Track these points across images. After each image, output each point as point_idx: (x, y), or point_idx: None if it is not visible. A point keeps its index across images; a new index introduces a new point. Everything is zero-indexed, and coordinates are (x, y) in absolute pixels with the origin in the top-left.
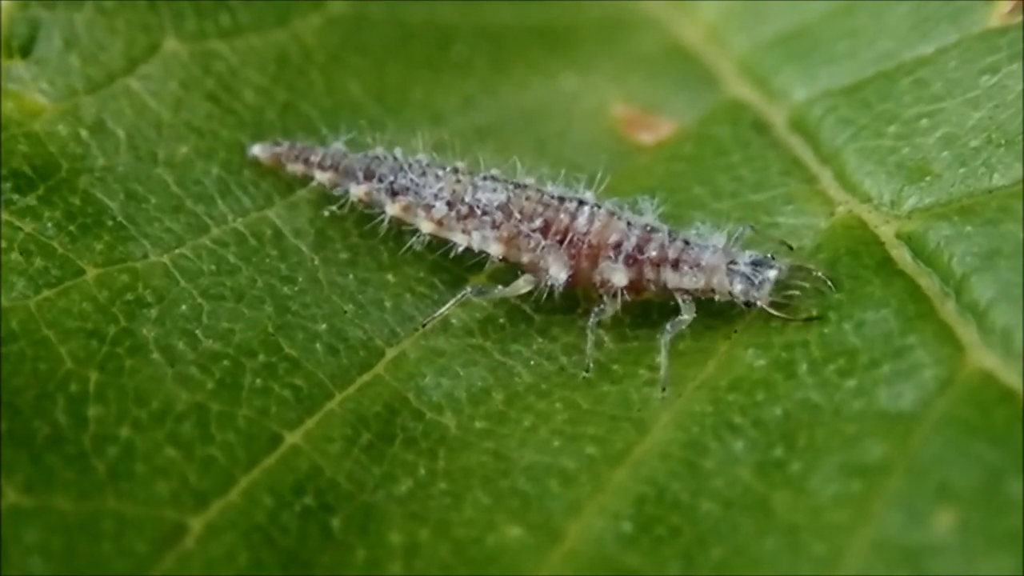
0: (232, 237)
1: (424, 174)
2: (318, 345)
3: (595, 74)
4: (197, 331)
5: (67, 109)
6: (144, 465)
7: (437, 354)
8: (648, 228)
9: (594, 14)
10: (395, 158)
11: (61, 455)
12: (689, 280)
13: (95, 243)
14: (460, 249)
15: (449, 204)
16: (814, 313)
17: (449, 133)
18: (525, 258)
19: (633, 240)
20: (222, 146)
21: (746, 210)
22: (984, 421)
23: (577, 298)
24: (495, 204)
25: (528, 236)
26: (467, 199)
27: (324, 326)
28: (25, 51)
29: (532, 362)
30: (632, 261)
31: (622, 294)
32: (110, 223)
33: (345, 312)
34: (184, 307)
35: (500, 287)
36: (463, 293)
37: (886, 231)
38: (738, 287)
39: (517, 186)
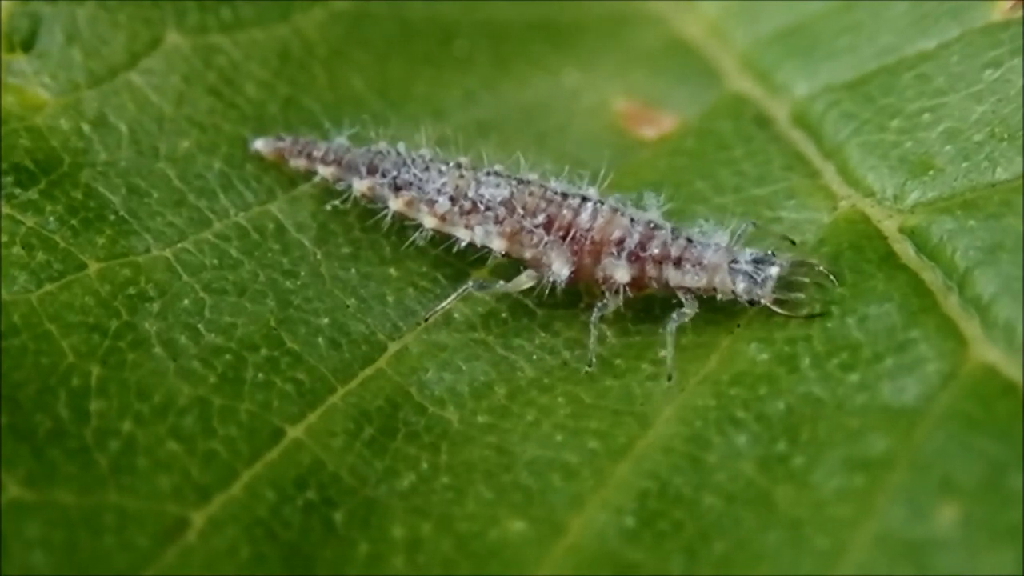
0: (234, 231)
1: (427, 169)
2: (320, 339)
3: (597, 69)
4: (199, 325)
5: (69, 103)
6: (146, 459)
7: (439, 348)
8: (651, 225)
9: (596, 9)
10: (398, 153)
11: (63, 449)
12: (691, 278)
13: (97, 237)
14: (463, 244)
15: (452, 199)
16: (817, 309)
17: (451, 128)
18: (528, 254)
19: (636, 237)
20: (224, 140)
21: (748, 205)
22: (987, 415)
23: (580, 293)
24: (498, 199)
25: (531, 232)
26: (470, 194)
27: (326, 320)
28: (27, 45)
29: (535, 356)
30: (635, 258)
31: (624, 290)
32: (112, 217)
33: (347, 306)
34: (186, 301)
35: (502, 282)
36: (465, 287)
37: (889, 225)
38: (741, 286)
39: (520, 182)
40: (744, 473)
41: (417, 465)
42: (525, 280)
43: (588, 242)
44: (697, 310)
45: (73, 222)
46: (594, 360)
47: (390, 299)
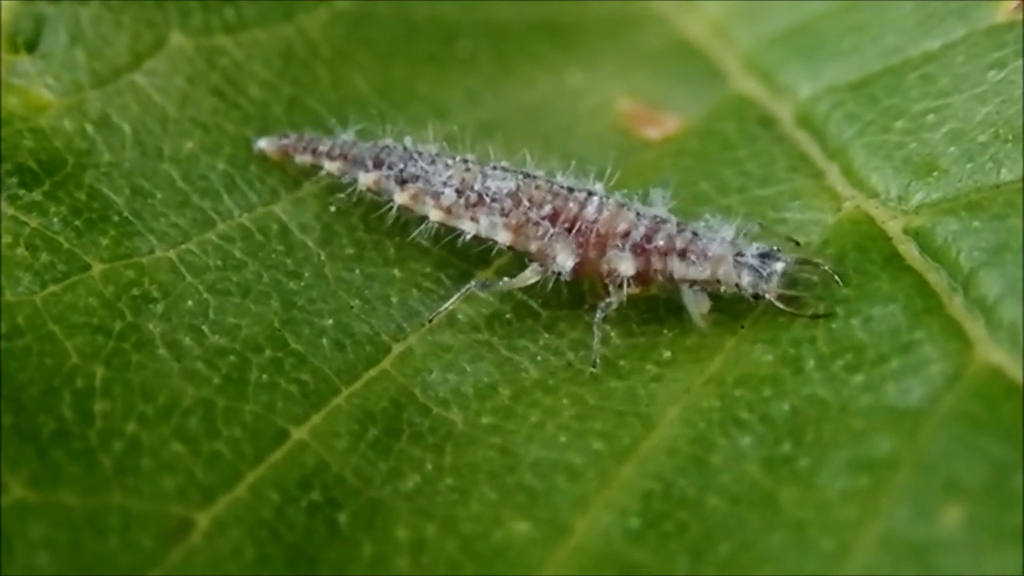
0: (238, 232)
1: (433, 163)
2: (324, 340)
3: (600, 69)
4: (203, 326)
5: (72, 104)
6: (150, 460)
7: (443, 349)
8: (656, 219)
9: (599, 10)
10: (404, 147)
11: (67, 450)
12: (696, 270)
13: (101, 238)
14: (468, 238)
15: (458, 192)
16: (822, 310)
17: (454, 129)
18: (533, 246)
19: (641, 230)
20: (228, 141)
21: (753, 205)
22: (992, 416)
23: (583, 293)
24: (504, 192)
25: (537, 224)
26: (476, 187)
27: (330, 321)
28: (30, 46)
29: (539, 357)
30: (640, 250)
31: (628, 285)
32: (116, 218)
33: (351, 307)
34: (190, 302)
35: (506, 279)
36: (468, 287)
37: (893, 226)
38: (745, 279)
39: (526, 175)
40: (749, 474)
41: (421, 466)
42: (530, 275)
43: (593, 234)
44: (710, 304)
45: (77, 223)
46: (598, 361)
47: (394, 300)
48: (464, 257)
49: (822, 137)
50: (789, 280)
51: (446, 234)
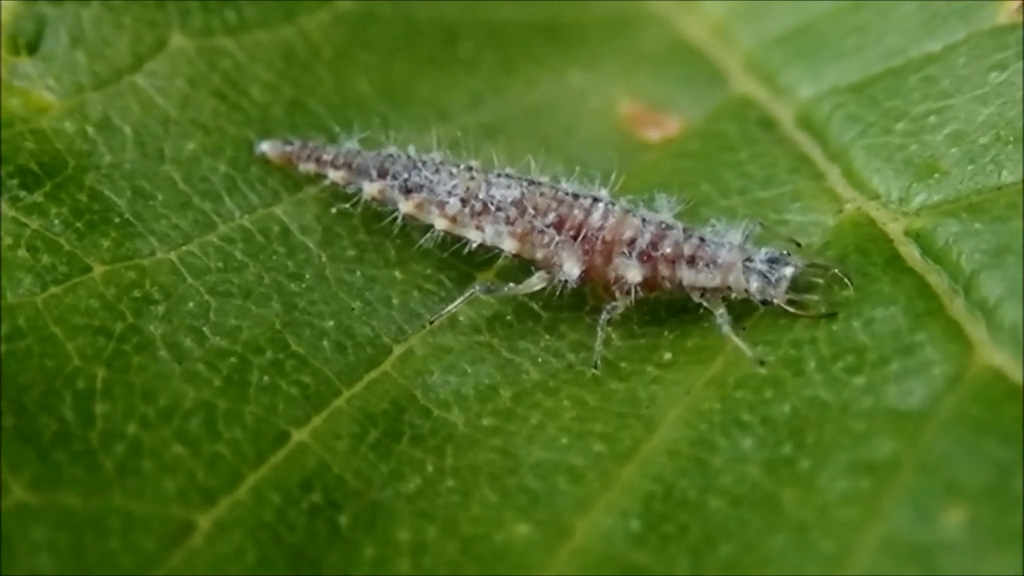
0: (239, 234)
1: (438, 171)
2: (325, 342)
3: (602, 71)
4: (204, 328)
5: (74, 106)
6: (152, 462)
7: (444, 351)
8: (663, 225)
9: (601, 11)
10: (408, 156)
11: (68, 452)
12: (705, 277)
13: (102, 240)
14: (474, 246)
15: (463, 201)
16: (824, 310)
17: (457, 130)
18: (539, 254)
19: (647, 237)
20: (229, 143)
21: (754, 207)
22: (993, 418)
23: (585, 296)
24: (509, 200)
25: (542, 232)
26: (481, 195)
27: (331, 323)
28: (32, 48)
29: (540, 359)
30: (646, 258)
31: (636, 291)
32: (117, 220)
33: (352, 309)
34: (191, 304)
35: (511, 284)
36: (471, 291)
37: (894, 228)
38: (754, 285)
39: (531, 183)
40: (750, 476)
41: (422, 468)
42: (536, 282)
43: (599, 242)
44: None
45: (78, 225)
46: (599, 363)
47: (395, 302)
48: (465, 259)
49: (823, 139)
50: (797, 283)
51: (452, 242)
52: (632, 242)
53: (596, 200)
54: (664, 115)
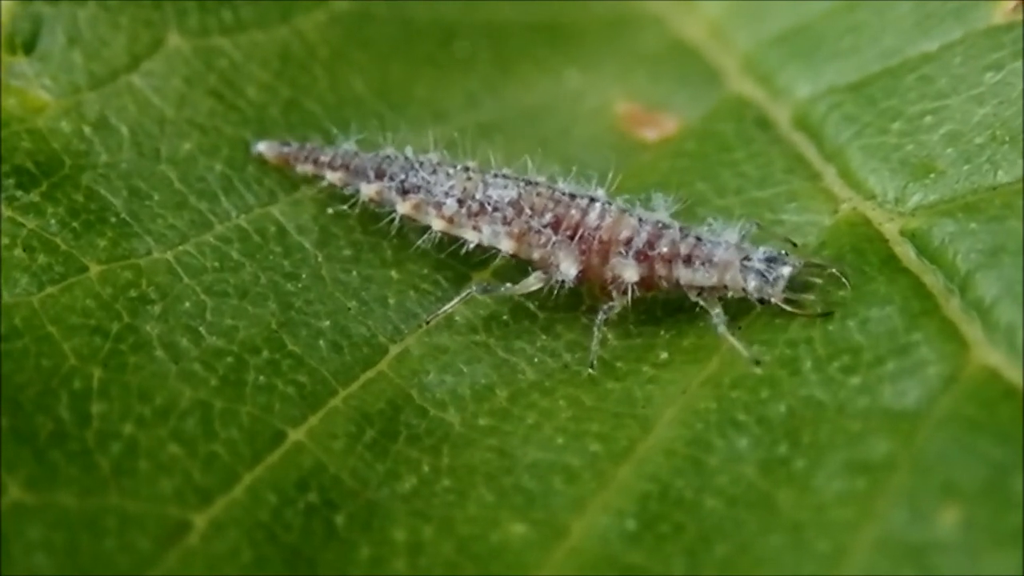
0: (236, 234)
1: (435, 172)
2: (322, 342)
3: (599, 71)
4: (200, 328)
5: (70, 105)
6: (148, 462)
7: (441, 351)
8: (659, 224)
9: (597, 11)
10: (406, 157)
11: (64, 452)
12: (702, 276)
13: (98, 240)
14: (471, 246)
15: (460, 201)
16: (820, 309)
17: (453, 130)
18: (536, 254)
19: (644, 236)
20: (225, 143)
21: (750, 207)
22: (989, 418)
23: (581, 296)
24: (506, 200)
25: (539, 232)
26: (478, 196)
27: (328, 323)
28: (28, 47)
29: (536, 359)
30: (643, 257)
31: (633, 291)
32: (113, 220)
33: (349, 309)
34: (188, 304)
35: (508, 285)
36: (468, 291)
37: (890, 228)
38: (752, 283)
39: (528, 183)
40: (745, 476)
41: (418, 468)
42: (533, 282)
43: (596, 241)
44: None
45: (74, 224)
46: (595, 363)
47: (391, 301)
48: (461, 259)
49: (819, 139)
50: (795, 283)
51: (449, 243)
52: (629, 241)
53: (593, 200)
54: (661, 115)
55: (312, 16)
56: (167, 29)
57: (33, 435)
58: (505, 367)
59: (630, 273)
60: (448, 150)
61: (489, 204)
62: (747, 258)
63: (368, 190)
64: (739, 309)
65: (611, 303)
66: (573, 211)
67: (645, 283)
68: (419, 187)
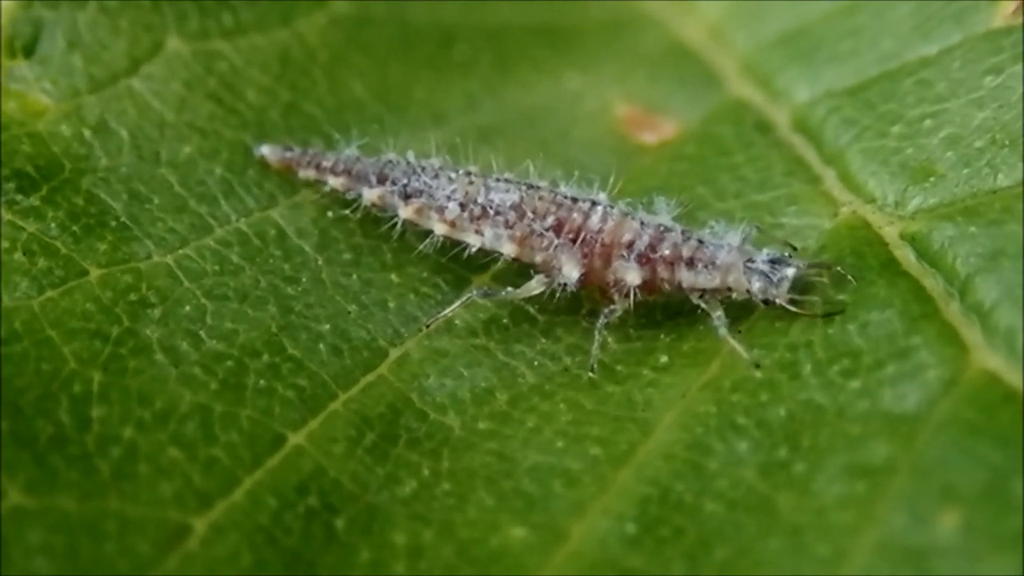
0: (236, 237)
1: (437, 177)
2: (322, 345)
3: (598, 74)
4: (201, 331)
5: (70, 109)
6: (148, 466)
7: (441, 355)
8: (661, 228)
9: (597, 13)
10: (408, 162)
11: (64, 456)
12: (705, 279)
13: (98, 243)
14: (473, 250)
15: (462, 205)
16: (820, 311)
17: (452, 133)
18: (538, 258)
19: (646, 239)
20: (225, 146)
21: (750, 211)
22: (988, 422)
23: (580, 299)
24: (508, 204)
25: (541, 235)
26: (480, 200)
27: (328, 326)
28: (28, 51)
29: (536, 363)
30: (645, 260)
31: (635, 294)
32: (113, 223)
33: (349, 312)
34: (188, 307)
35: (510, 289)
36: (468, 295)
37: (890, 232)
38: (756, 285)
39: (530, 187)
40: (745, 480)
41: (418, 471)
42: (535, 286)
43: (598, 245)
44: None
45: (74, 228)
46: (595, 366)
47: (391, 305)
48: (461, 263)
49: (819, 142)
50: (799, 284)
51: (451, 247)
52: (631, 245)
53: (595, 203)
54: (660, 118)
55: (312, 19)
56: (167, 32)
57: (33, 439)
58: (505, 371)
59: (632, 276)
60: (448, 153)
61: (491, 208)
62: (751, 260)
63: (370, 195)
64: (738, 313)
65: (612, 306)
66: (575, 214)
67: (647, 286)
68: (421, 192)
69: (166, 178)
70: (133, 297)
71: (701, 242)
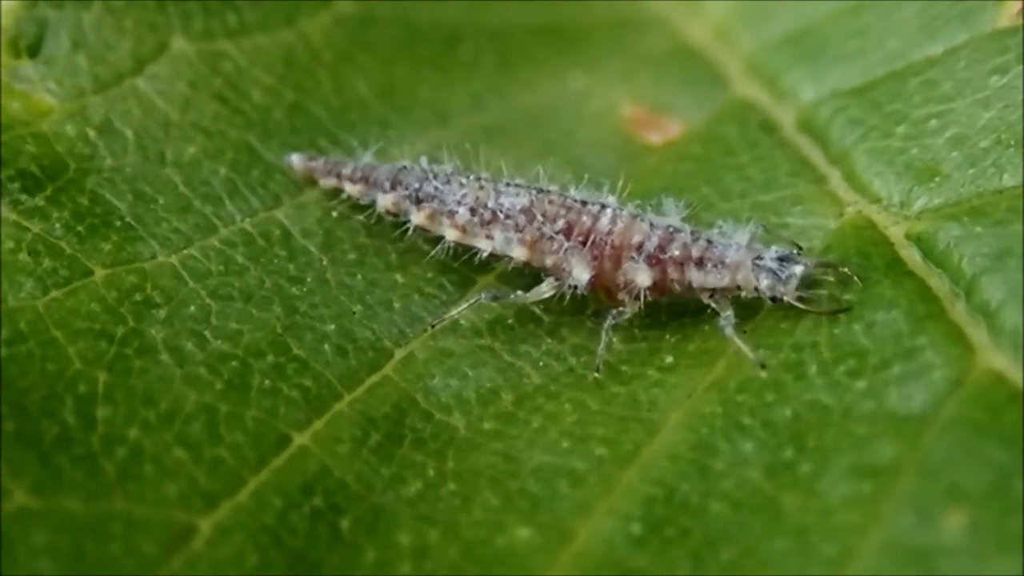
0: (240, 237)
1: (449, 182)
2: (327, 346)
3: (603, 74)
4: (206, 332)
5: (75, 109)
6: (153, 466)
7: (446, 355)
8: (670, 228)
9: (602, 13)
10: (421, 168)
11: (69, 456)
12: (714, 278)
13: (103, 244)
14: (484, 255)
15: (472, 210)
16: (835, 306)
17: (457, 133)
18: (549, 261)
19: (655, 240)
20: (230, 146)
21: (755, 211)
22: (994, 422)
23: (586, 299)
24: (518, 208)
25: (551, 239)
26: (490, 204)
27: (333, 327)
28: (33, 51)
29: (541, 363)
30: (655, 261)
31: (645, 295)
32: (118, 223)
33: (354, 313)
34: (192, 308)
35: (519, 292)
36: (477, 298)
37: (896, 232)
38: (764, 282)
39: (540, 190)
40: (751, 480)
41: (424, 472)
42: (546, 289)
43: (608, 247)
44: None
45: (79, 228)
46: (601, 367)
47: (396, 305)
48: (466, 263)
49: (824, 142)
50: (806, 282)
51: (463, 253)
52: (640, 246)
53: (604, 206)
54: (665, 118)
55: (316, 19)
56: (171, 33)
57: (38, 439)
58: (510, 371)
59: (642, 277)
60: (454, 155)
61: (501, 212)
62: (759, 258)
63: (384, 201)
64: (744, 313)
65: (622, 308)
66: (584, 217)
67: (658, 287)
68: (433, 196)
69: (171, 178)
70: (138, 297)
71: (710, 242)
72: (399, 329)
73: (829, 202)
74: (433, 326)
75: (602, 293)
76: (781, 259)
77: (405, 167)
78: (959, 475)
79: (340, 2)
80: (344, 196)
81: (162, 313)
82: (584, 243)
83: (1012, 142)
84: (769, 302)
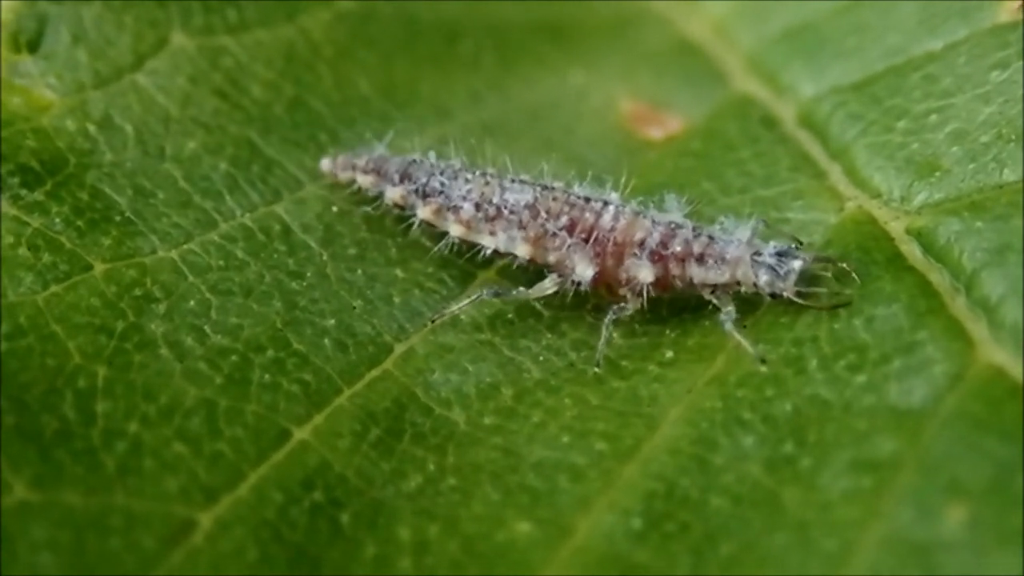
0: (240, 232)
1: (455, 177)
2: (327, 340)
3: (603, 70)
4: (205, 326)
5: (75, 104)
6: (153, 460)
7: (446, 350)
8: (672, 225)
9: (602, 10)
10: (431, 162)
11: (69, 450)
12: (715, 274)
13: (103, 238)
14: (487, 252)
15: (477, 205)
16: (835, 302)
17: (457, 129)
18: (552, 258)
19: (657, 236)
20: (230, 141)
21: (755, 206)
22: (994, 417)
23: (586, 294)
24: (522, 204)
25: (554, 235)
26: (495, 200)
27: (333, 321)
28: (33, 46)
29: (541, 358)
30: (657, 257)
31: (647, 291)
32: (118, 218)
33: (354, 307)
34: (192, 302)
35: (521, 289)
36: (479, 294)
37: (896, 227)
38: (763, 278)
39: (543, 187)
40: (751, 475)
41: (424, 466)
42: (549, 285)
43: (611, 243)
44: (733, 305)
45: (79, 223)
46: (601, 361)
47: (396, 300)
48: (467, 257)
49: (824, 137)
50: (805, 277)
51: (468, 250)
52: (643, 242)
53: (607, 203)
54: (666, 114)
55: (317, 15)
56: (172, 28)
57: (38, 434)
58: (510, 366)
59: (645, 274)
60: (452, 150)
61: (505, 208)
62: (757, 253)
63: (392, 194)
64: (744, 308)
65: (624, 304)
66: (587, 214)
67: (660, 283)
68: (439, 191)
69: (171, 173)
70: (138, 292)
71: (711, 238)
72: (399, 324)
73: (829, 197)
74: (433, 321)
75: (603, 289)
76: (779, 254)
77: (415, 161)
78: (959, 470)
79: None
80: (355, 188)
81: (162, 308)
82: (587, 240)
83: (1012, 137)
84: (768, 298)
